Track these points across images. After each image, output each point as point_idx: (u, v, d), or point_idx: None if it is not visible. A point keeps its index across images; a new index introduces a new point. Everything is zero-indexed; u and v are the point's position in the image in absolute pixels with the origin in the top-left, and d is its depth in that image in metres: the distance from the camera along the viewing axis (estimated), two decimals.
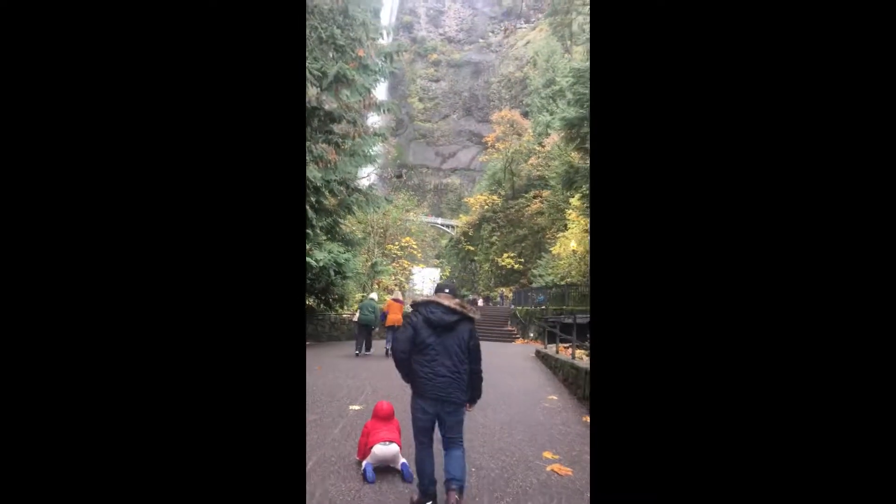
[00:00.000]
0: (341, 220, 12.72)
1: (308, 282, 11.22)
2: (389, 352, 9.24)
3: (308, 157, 11.17)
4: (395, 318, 9.57)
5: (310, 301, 12.56)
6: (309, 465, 3.21)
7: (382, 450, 3.05)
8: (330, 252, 10.94)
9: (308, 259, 10.29)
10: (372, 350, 9.58)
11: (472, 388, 2.61)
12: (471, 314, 2.60)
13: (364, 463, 3.03)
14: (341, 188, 12.27)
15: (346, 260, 11.20)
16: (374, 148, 12.16)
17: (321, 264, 10.41)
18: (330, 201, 12.03)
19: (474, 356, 2.59)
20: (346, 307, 13.38)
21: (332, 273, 10.83)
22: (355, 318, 9.88)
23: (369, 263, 13.96)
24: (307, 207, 11.14)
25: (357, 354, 9.05)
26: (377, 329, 10.14)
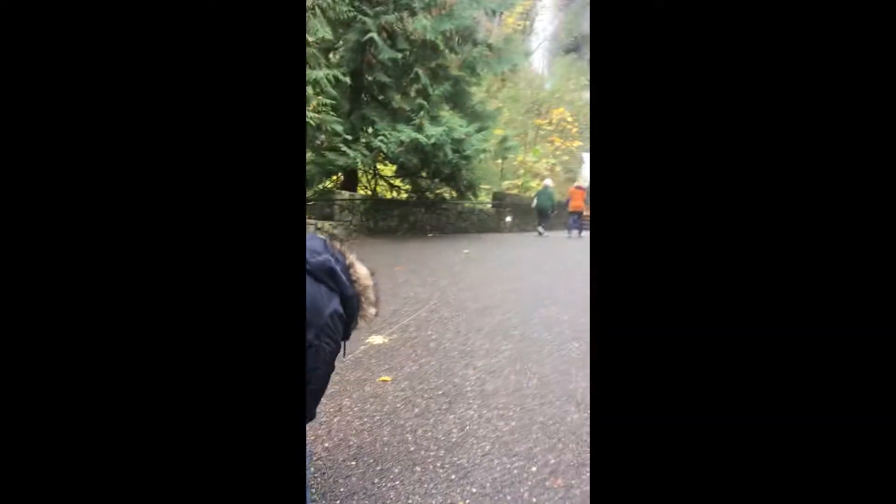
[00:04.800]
0: (467, 87, 10.26)
1: (435, 166, 9.43)
2: (571, 234, 11.06)
3: (418, 5, 8.78)
4: (576, 204, 11.18)
5: (441, 190, 10.91)
6: None
7: None
8: (449, 126, 8.82)
9: (417, 135, 8.39)
10: (546, 234, 10.95)
11: None
12: None
13: None
14: (463, 45, 9.66)
15: (466, 135, 8.95)
16: None
17: (432, 141, 8.41)
18: (448, 61, 9.59)
19: None
20: (477, 195, 11.38)
21: (449, 152, 8.77)
22: (533, 205, 11.42)
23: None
24: (419, 72, 9.00)
25: (539, 234, 10.86)
26: (555, 212, 11.50)
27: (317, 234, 1.30)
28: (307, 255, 1.20)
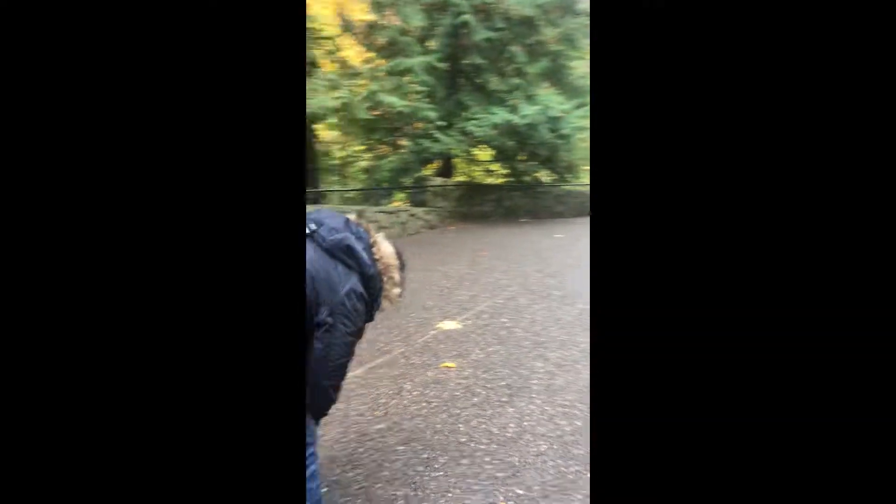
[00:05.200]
0: (567, 62, 9.68)
1: (531, 148, 9.14)
2: None
3: None
4: None
5: (539, 173, 10.55)
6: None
7: None
8: (545, 105, 8.43)
9: (510, 116, 8.15)
10: None
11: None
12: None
13: None
14: (562, 17, 9.10)
15: (563, 112, 8.47)
16: None
17: (526, 121, 8.11)
18: (546, 36, 9.12)
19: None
20: (577, 176, 10.78)
21: (545, 131, 8.39)
22: None
23: None
24: (515, 51, 8.71)
25: None
26: None
27: (337, 213, 1.27)
28: (325, 233, 1.18)
